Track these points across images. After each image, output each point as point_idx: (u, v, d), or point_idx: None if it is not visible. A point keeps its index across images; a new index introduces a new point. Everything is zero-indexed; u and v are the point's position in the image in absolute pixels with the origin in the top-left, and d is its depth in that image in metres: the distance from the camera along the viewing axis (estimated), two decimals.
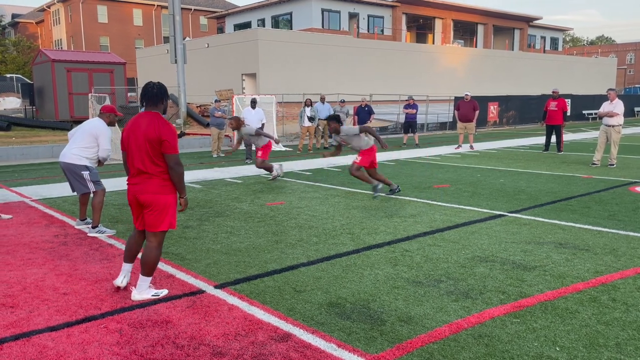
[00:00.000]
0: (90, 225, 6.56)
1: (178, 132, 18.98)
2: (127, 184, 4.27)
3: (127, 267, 4.48)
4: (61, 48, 52.58)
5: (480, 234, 6.18)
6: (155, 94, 4.20)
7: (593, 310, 3.94)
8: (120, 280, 4.45)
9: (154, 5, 53.28)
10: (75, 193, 6.75)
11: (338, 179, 10.59)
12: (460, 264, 5.10)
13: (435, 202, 8.09)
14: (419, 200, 8.31)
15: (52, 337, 3.59)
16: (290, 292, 4.38)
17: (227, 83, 29.34)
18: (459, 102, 16.50)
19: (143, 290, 4.26)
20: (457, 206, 7.80)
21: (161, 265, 5.12)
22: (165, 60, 35.50)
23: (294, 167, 12.45)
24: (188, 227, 6.67)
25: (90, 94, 14.57)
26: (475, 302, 4.12)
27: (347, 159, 14.11)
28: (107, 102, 14.85)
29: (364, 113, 17.51)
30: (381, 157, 14.51)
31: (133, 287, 4.34)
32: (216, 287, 4.53)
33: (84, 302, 4.21)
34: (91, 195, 6.56)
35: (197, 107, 26.92)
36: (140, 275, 4.26)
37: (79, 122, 21.26)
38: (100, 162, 6.65)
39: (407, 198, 8.44)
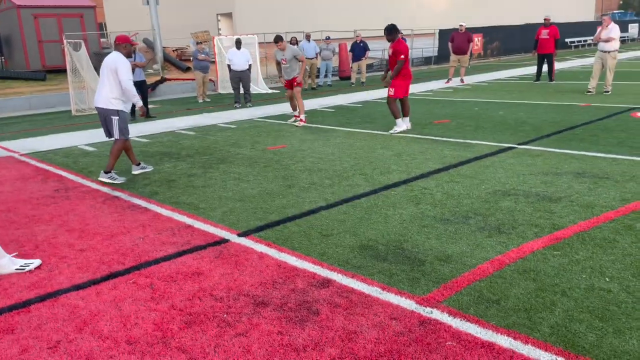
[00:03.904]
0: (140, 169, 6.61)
1: (158, 77, 18.34)
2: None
3: (406, 119, 8.61)
4: None
5: (495, 168, 6.07)
6: (391, 29, 8.18)
7: (631, 238, 3.88)
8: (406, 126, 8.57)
9: None
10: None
11: (334, 119, 10.33)
12: (483, 199, 4.99)
13: (440, 138, 7.92)
14: (422, 137, 8.13)
15: (81, 295, 3.41)
16: (317, 237, 4.24)
17: (202, 25, 28.15)
18: (452, 33, 16.00)
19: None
20: (463, 141, 7.66)
21: (176, 216, 4.92)
22: (134, 2, 33.83)
23: (285, 110, 12.11)
24: (193, 175, 6.43)
25: (65, 41, 13.76)
26: (510, 237, 4.03)
27: (339, 99, 13.79)
28: (83, 48, 14.07)
29: (359, 49, 17.00)
30: (370, 96, 14.21)
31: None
32: (239, 235, 4.36)
33: (105, 258, 4.01)
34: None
35: (173, 50, 25.93)
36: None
37: (51, 71, 20.33)
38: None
39: (411, 135, 8.26)
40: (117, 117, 6.19)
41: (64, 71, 20.69)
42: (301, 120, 9.87)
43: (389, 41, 8.30)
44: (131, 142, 6.58)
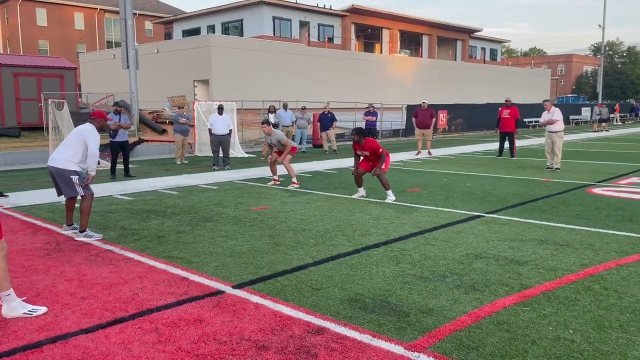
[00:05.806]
0: (77, 230, 6.54)
1: (136, 139, 18.67)
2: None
3: (361, 189, 9.30)
4: None
5: (467, 233, 6.56)
6: (361, 131, 9.02)
7: (590, 298, 4.34)
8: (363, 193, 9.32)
9: (97, 9, 51.73)
10: (62, 197, 6.70)
11: (312, 184, 10.81)
12: (458, 260, 5.43)
13: (414, 205, 8.45)
14: (397, 203, 8.64)
15: (90, 338, 3.62)
16: (308, 290, 4.56)
17: (179, 89, 28.96)
18: (416, 109, 17.07)
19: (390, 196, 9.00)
20: (435, 208, 8.19)
21: (170, 268, 5.17)
22: (111, 65, 34.61)
23: (263, 173, 12.55)
24: (182, 232, 6.70)
25: (49, 101, 14.11)
26: (484, 294, 4.44)
27: (315, 165, 14.35)
28: (66, 107, 14.42)
29: (326, 119, 17.83)
30: (344, 163, 14.84)
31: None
32: (234, 287, 4.65)
33: (108, 305, 4.22)
34: (78, 197, 6.51)
35: (149, 113, 26.42)
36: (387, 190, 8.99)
37: (26, 128, 20.45)
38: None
39: (387, 201, 8.77)
40: (77, 177, 6.38)
41: (39, 128, 20.93)
42: (294, 182, 10.53)
43: (357, 142, 9.00)
44: (91, 201, 6.59)
